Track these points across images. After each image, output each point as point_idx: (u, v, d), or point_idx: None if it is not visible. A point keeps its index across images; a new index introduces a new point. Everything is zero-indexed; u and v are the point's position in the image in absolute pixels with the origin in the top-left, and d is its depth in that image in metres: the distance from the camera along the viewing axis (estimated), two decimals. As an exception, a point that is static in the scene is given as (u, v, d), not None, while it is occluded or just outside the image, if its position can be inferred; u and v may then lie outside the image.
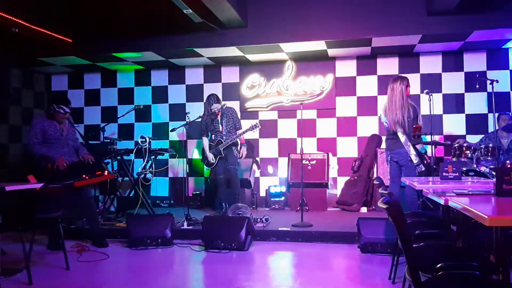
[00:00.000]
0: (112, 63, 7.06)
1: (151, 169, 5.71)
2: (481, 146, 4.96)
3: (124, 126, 7.46)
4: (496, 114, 5.45)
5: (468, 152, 4.98)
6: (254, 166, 6.69)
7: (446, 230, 3.07)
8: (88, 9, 5.66)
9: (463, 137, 6.31)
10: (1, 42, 6.11)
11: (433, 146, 5.35)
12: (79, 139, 5.08)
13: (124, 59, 6.74)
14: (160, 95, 7.42)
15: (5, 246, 4.28)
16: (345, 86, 6.81)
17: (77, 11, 5.69)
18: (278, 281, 3.62)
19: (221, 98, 6.11)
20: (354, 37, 5.74)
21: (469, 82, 6.38)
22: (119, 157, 5.94)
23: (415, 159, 4.49)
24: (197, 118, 5.85)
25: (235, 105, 6.67)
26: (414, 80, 6.43)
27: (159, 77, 7.43)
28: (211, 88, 7.11)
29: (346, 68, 6.81)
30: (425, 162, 4.57)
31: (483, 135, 5.73)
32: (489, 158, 4.92)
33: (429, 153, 5.09)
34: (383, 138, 5.92)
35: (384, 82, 6.07)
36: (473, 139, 5.97)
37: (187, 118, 5.68)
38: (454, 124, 6.48)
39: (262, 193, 6.91)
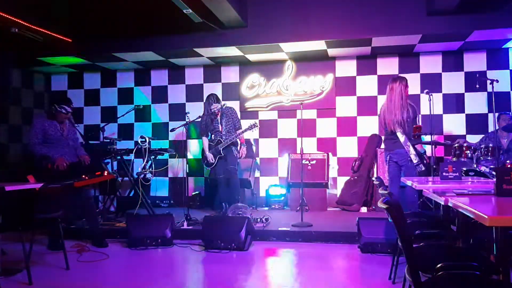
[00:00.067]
0: (112, 63, 7.06)
1: (151, 169, 5.71)
2: (481, 146, 4.96)
3: (124, 126, 7.46)
4: (496, 114, 5.44)
5: (468, 152, 4.97)
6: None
7: (446, 230, 3.07)
8: (88, 9, 5.66)
9: (463, 137, 6.31)
10: (1, 42, 6.10)
11: (433, 146, 5.35)
12: (79, 139, 5.08)
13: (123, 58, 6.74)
14: (160, 95, 7.42)
15: (5, 246, 4.29)
16: (345, 86, 6.81)
17: (77, 11, 5.68)
18: (278, 281, 3.62)
19: (221, 98, 6.11)
20: (354, 37, 5.74)
21: (469, 82, 6.37)
22: (119, 157, 5.94)
23: (415, 159, 4.49)
24: (197, 118, 5.85)
25: (235, 105, 6.67)
26: (414, 80, 6.43)
27: (159, 77, 7.44)
28: (211, 88, 7.10)
29: (346, 68, 6.81)
30: (425, 162, 4.57)
31: (483, 135, 5.73)
32: (489, 158, 4.92)
33: (429, 153, 5.09)
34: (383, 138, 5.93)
35: (384, 82, 6.05)
36: (473, 139, 5.97)
37: (187, 118, 5.68)
38: (454, 124, 6.48)
39: (262, 193, 6.91)
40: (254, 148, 7.02)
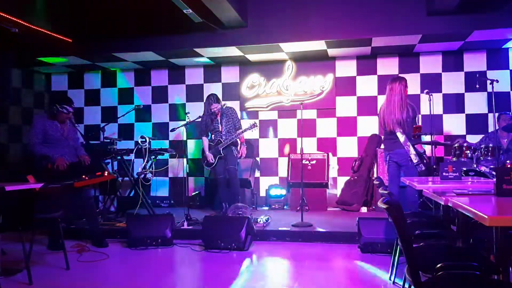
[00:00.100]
0: (112, 63, 7.06)
1: (151, 169, 5.71)
2: (481, 146, 4.96)
3: (124, 126, 7.46)
4: (496, 114, 5.45)
5: (468, 152, 4.97)
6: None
7: (446, 230, 3.07)
8: (88, 9, 5.66)
9: (463, 137, 6.31)
10: (1, 42, 6.10)
11: (433, 146, 5.35)
12: (80, 139, 5.08)
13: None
14: (160, 95, 7.42)
15: (5, 246, 4.29)
16: (345, 86, 6.81)
17: (77, 11, 5.68)
18: (278, 281, 3.62)
19: (221, 98, 6.11)
20: (354, 37, 5.74)
21: (469, 82, 6.37)
22: (119, 157, 5.94)
23: (415, 159, 4.49)
24: (197, 118, 5.85)
25: (235, 105, 6.67)
26: (414, 80, 6.43)
27: (159, 77, 7.44)
28: (211, 88, 7.11)
29: (346, 68, 6.81)
30: (425, 161, 4.57)
31: (483, 135, 5.74)
32: (489, 158, 4.92)
33: (429, 153, 5.09)
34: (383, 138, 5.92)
35: (384, 82, 6.04)
36: (473, 139, 5.96)
37: (187, 118, 5.68)
38: (454, 124, 6.48)
39: (262, 193, 6.91)
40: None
